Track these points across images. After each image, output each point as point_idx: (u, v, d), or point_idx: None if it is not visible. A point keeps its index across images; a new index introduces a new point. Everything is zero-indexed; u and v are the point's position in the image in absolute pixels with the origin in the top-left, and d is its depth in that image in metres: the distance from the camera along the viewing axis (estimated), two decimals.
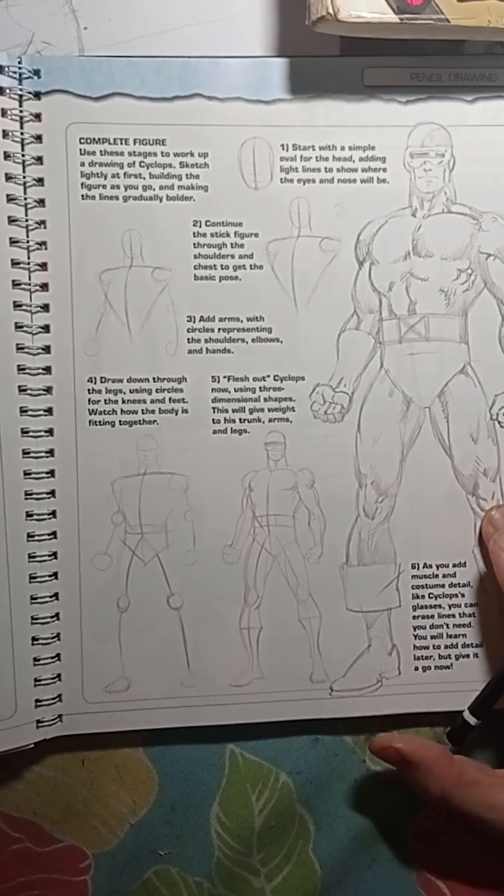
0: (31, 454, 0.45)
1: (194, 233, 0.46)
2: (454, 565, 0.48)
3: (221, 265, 0.46)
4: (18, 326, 0.45)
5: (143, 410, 0.47)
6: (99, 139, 0.45)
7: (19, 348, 0.45)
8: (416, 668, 0.48)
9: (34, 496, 0.45)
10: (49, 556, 0.46)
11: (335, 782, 0.49)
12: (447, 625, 0.48)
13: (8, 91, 0.44)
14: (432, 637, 0.48)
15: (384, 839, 0.49)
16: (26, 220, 0.45)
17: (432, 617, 0.48)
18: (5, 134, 0.44)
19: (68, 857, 0.48)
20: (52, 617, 0.46)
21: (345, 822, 0.49)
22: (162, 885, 0.48)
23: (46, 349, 0.46)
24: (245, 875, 0.48)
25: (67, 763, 0.48)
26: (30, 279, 0.45)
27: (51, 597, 0.46)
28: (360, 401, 0.48)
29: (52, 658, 0.46)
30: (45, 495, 0.46)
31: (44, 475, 0.46)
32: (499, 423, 0.48)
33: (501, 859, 0.49)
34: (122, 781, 0.48)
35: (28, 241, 0.45)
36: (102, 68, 0.45)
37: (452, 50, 0.47)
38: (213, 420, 0.47)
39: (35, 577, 0.45)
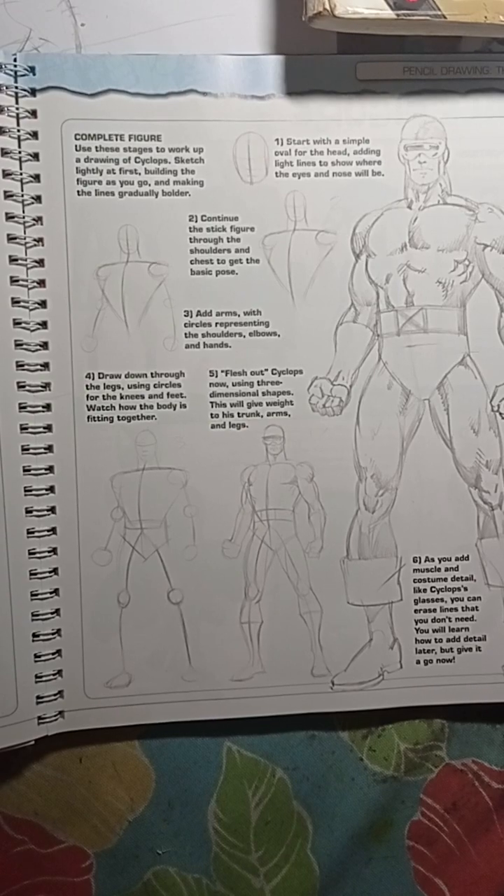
0: (31, 450, 0.48)
1: (190, 227, 0.49)
2: (457, 559, 0.51)
3: (218, 259, 0.49)
4: (16, 323, 0.48)
5: (141, 406, 0.49)
6: (94, 135, 0.48)
7: (17, 345, 0.48)
8: (418, 662, 0.51)
9: (33, 492, 0.48)
10: (49, 552, 0.49)
11: (333, 780, 0.52)
12: (449, 618, 0.51)
13: (4, 88, 0.47)
14: (434, 631, 0.51)
15: (381, 837, 0.52)
16: (23, 217, 0.48)
17: (434, 611, 0.51)
18: (2, 131, 0.47)
19: (70, 858, 0.51)
20: (52, 613, 0.49)
21: (342, 820, 0.52)
22: (161, 886, 0.51)
23: (44, 345, 0.48)
24: (244, 874, 0.51)
25: (66, 761, 0.51)
26: (27, 276, 0.48)
27: (51, 593, 0.49)
28: (359, 394, 0.50)
29: (53, 654, 0.49)
30: (44, 491, 0.48)
31: (43, 471, 0.48)
32: (500, 414, 0.51)
33: (498, 856, 0.52)
34: (120, 779, 0.51)
35: (25, 238, 0.48)
36: (97, 65, 0.48)
37: (449, 48, 0.50)
38: (212, 415, 0.50)
39: (35, 574, 0.48)
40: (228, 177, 0.49)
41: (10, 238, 0.48)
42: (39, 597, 0.48)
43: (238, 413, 0.50)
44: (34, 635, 0.48)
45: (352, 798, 0.52)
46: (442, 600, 0.51)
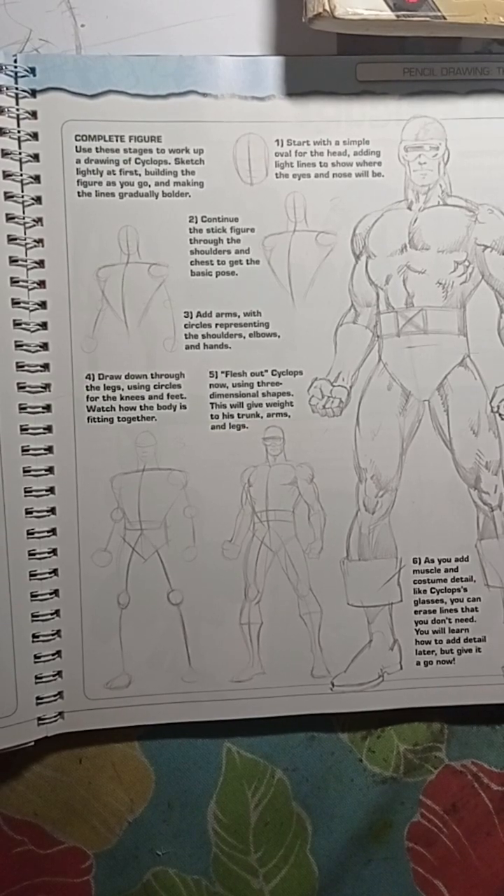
0: (31, 451, 0.48)
1: (190, 228, 0.49)
2: (456, 560, 0.51)
3: (218, 260, 0.50)
4: (17, 323, 0.48)
5: (141, 406, 0.50)
6: (94, 136, 0.48)
7: (18, 345, 0.48)
8: (418, 663, 0.51)
9: (34, 493, 0.48)
10: (49, 552, 0.49)
11: (332, 781, 0.52)
12: (449, 619, 0.51)
13: (4, 89, 0.48)
14: (434, 632, 0.51)
15: (381, 839, 0.52)
16: (23, 218, 0.48)
17: (434, 612, 0.51)
18: (2, 132, 0.47)
19: (70, 859, 0.51)
20: (52, 614, 0.49)
21: (342, 821, 0.52)
22: (161, 887, 0.51)
23: (44, 346, 0.49)
24: (243, 875, 0.51)
25: (65, 762, 0.51)
26: (27, 276, 0.48)
27: (51, 594, 0.49)
28: (359, 394, 0.50)
29: (53, 655, 0.49)
30: (44, 492, 0.49)
31: (43, 472, 0.49)
32: (499, 415, 0.51)
33: (498, 858, 0.52)
34: (120, 780, 0.51)
35: (25, 239, 0.48)
36: (97, 66, 0.48)
37: (449, 49, 0.50)
38: (212, 415, 0.50)
39: (35, 574, 0.48)
40: (228, 178, 0.49)
41: (11, 239, 0.48)
42: (39, 598, 0.49)
43: (238, 414, 0.50)
44: (34, 636, 0.48)
45: (351, 799, 0.52)
46: (442, 601, 0.51)
